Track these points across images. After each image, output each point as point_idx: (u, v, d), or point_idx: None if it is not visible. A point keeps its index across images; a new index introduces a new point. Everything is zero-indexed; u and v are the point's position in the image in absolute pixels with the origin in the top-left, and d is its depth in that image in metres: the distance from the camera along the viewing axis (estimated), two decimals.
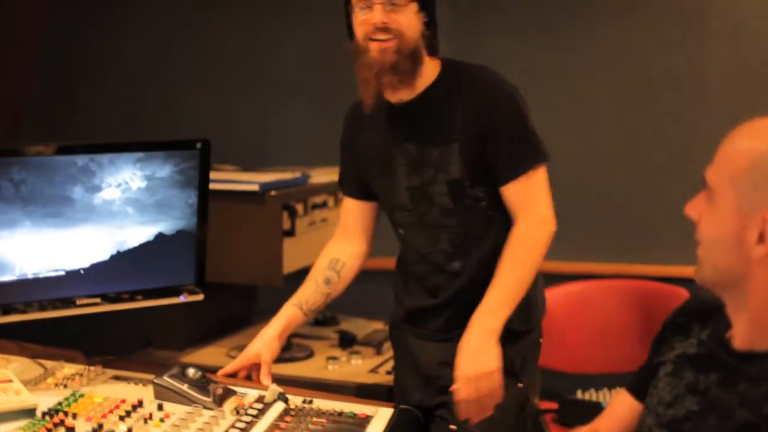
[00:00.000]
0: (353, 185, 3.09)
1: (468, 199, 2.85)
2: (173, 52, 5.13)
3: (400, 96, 2.85)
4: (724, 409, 1.91)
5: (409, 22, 2.76)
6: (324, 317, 4.20)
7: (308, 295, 3.07)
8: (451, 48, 4.62)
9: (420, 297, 3.04)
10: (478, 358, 2.69)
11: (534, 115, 4.54)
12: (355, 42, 2.82)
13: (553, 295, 4.20)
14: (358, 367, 3.64)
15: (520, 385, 2.89)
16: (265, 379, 2.89)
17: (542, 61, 4.69)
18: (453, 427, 2.78)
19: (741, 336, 1.95)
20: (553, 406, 4.12)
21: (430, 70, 2.85)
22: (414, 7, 2.77)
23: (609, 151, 4.68)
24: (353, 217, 3.13)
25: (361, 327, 4.10)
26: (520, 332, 2.94)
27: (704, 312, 2.12)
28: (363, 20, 2.76)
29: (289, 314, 3.04)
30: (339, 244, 3.14)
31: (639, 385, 2.25)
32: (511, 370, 2.88)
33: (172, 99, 5.08)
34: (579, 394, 4.13)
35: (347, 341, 3.89)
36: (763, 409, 1.84)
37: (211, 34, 5.08)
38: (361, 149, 3.00)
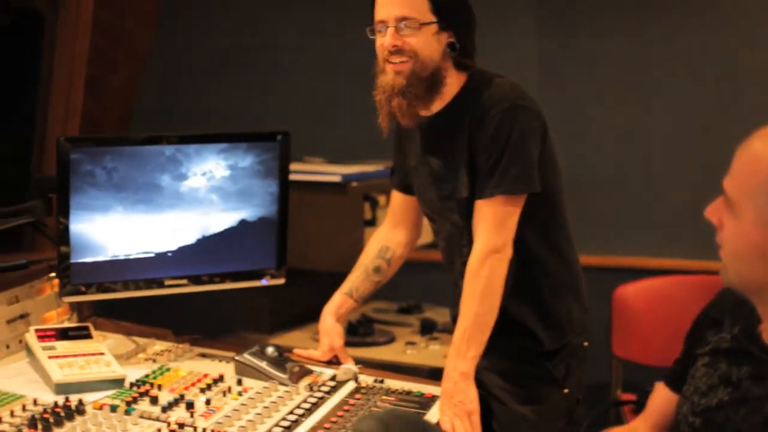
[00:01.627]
0: (400, 179, 3.15)
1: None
2: (268, 51, 5.26)
3: (423, 113, 2.86)
4: (755, 401, 1.96)
5: (425, 43, 2.75)
6: (408, 305, 4.31)
7: (358, 283, 3.16)
8: (538, 48, 4.76)
9: (455, 304, 3.03)
10: (454, 402, 2.65)
11: (619, 114, 4.65)
12: (376, 63, 2.86)
13: (636, 289, 4.30)
14: (434, 352, 3.76)
15: (566, 391, 2.94)
16: (348, 361, 3.01)
17: (628, 60, 4.74)
18: None
19: None
20: (633, 397, 4.18)
21: (454, 87, 2.85)
22: (432, 28, 2.76)
23: (694, 148, 4.69)
24: (401, 208, 3.18)
25: (443, 315, 4.17)
26: (555, 349, 2.94)
27: (735, 307, 2.16)
28: (379, 44, 2.80)
29: (340, 302, 3.16)
30: (388, 233, 3.20)
31: (674, 377, 2.30)
32: (552, 378, 2.93)
33: (266, 94, 5.20)
34: None
35: (428, 328, 4.00)
36: None
37: (299, 31, 5.22)
38: (405, 152, 3.06)
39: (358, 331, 3.79)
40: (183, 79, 5.44)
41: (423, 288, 4.39)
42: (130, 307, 3.19)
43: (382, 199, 3.86)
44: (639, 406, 4.05)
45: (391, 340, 3.89)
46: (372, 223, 3.79)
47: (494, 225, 2.76)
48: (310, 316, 4.06)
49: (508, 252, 2.77)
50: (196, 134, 3.02)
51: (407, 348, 3.75)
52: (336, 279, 4.27)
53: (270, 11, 5.25)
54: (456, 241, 2.94)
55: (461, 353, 2.71)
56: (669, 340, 4.30)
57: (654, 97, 4.73)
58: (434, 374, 3.37)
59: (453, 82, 2.85)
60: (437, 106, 2.86)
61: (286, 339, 3.89)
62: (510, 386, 2.90)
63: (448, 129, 2.85)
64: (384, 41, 2.77)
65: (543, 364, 2.92)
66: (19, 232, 3.41)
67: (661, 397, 2.34)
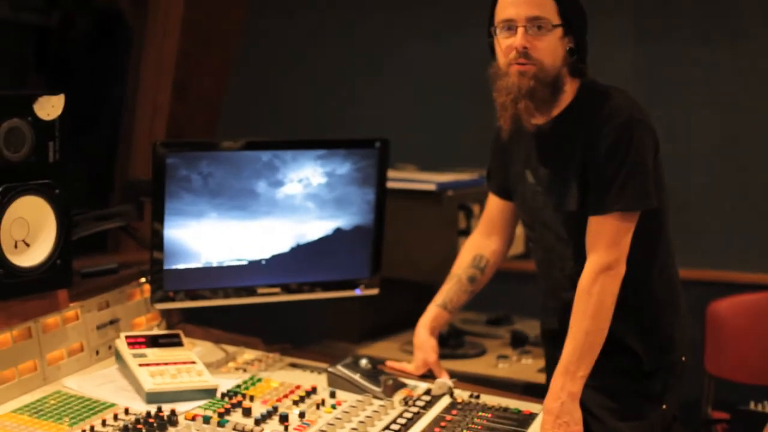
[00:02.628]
0: (499, 184, 3.07)
1: (583, 232, 2.76)
2: (358, 56, 5.22)
3: (535, 120, 2.79)
4: None
5: (552, 48, 2.69)
6: (497, 316, 4.24)
7: (452, 295, 3.10)
8: (634, 52, 4.67)
9: (549, 316, 3.04)
10: (559, 422, 2.62)
11: (716, 123, 4.56)
12: (495, 65, 2.77)
13: (730, 304, 4.20)
14: (527, 366, 3.68)
15: (664, 407, 2.88)
16: (442, 375, 2.95)
17: (725, 66, 4.63)
18: None
19: None
20: (725, 416, 4.09)
21: (569, 94, 2.78)
22: (559, 32, 2.70)
23: None
24: (497, 214, 3.11)
25: (533, 327, 4.04)
26: (655, 365, 2.88)
27: None
28: (506, 45, 2.70)
29: (435, 315, 3.10)
30: (482, 240, 3.14)
31: None
32: (650, 394, 2.87)
33: (356, 100, 5.18)
34: (752, 406, 4.06)
35: (519, 341, 3.92)
36: None
37: (394, 38, 5.16)
38: (510, 156, 2.98)
39: (449, 343, 3.72)
40: (271, 85, 5.40)
41: (512, 299, 4.33)
42: (218, 313, 3.15)
43: (476, 208, 3.79)
44: (732, 426, 3.99)
45: (482, 352, 3.82)
46: (466, 232, 3.71)
47: (609, 242, 2.70)
48: (399, 326, 4.05)
49: (621, 269, 2.70)
50: (293, 140, 2.98)
51: (499, 361, 3.68)
52: (427, 289, 4.22)
53: (361, 13, 5.20)
54: (558, 253, 2.88)
55: (570, 372, 2.66)
56: (764, 357, 4.24)
57: (754, 107, 4.61)
58: (528, 389, 3.36)
59: (568, 90, 2.78)
60: (552, 114, 2.79)
61: (374, 349, 3.83)
62: (609, 403, 2.83)
63: (561, 138, 2.78)
64: (514, 42, 2.68)
65: (642, 380, 2.86)
66: (103, 233, 3.39)
67: None
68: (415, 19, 5.12)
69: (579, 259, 2.76)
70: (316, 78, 5.30)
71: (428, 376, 2.97)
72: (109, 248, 4.14)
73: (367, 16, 5.21)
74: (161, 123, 4.47)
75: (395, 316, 4.04)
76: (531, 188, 2.87)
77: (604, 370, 2.75)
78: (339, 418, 2.54)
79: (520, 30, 2.66)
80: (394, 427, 2.53)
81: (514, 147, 2.93)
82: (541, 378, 3.51)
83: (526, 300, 4.28)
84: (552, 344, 2.96)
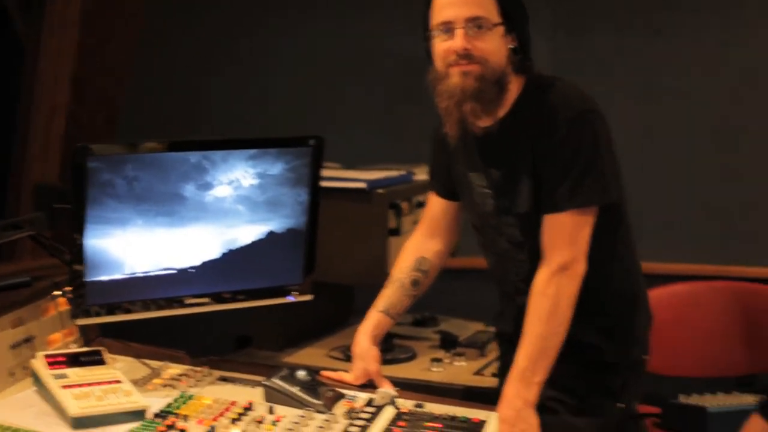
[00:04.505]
0: (442, 184, 2.99)
1: (537, 233, 2.69)
2: (274, 51, 5.12)
3: (481, 122, 2.70)
4: None
5: (494, 47, 2.61)
6: (423, 317, 4.16)
7: (395, 300, 2.99)
8: (554, 46, 4.62)
9: (505, 320, 2.97)
10: (515, 430, 2.56)
11: (637, 115, 4.53)
12: (434, 69, 2.68)
13: (657, 296, 4.10)
14: (462, 369, 3.60)
15: (621, 405, 2.85)
16: (384, 384, 2.83)
17: (644, 59, 4.66)
18: None
19: None
20: (656, 410, 4.03)
21: (513, 92, 2.70)
22: (500, 30, 2.62)
23: (715, 151, 4.63)
24: (440, 215, 3.03)
25: (461, 328, 4.05)
26: (615, 362, 2.84)
27: None
28: (444, 48, 2.61)
29: (377, 321, 2.97)
30: (424, 242, 3.04)
31: None
32: (608, 391, 2.82)
33: (267, 99, 5.09)
34: (682, 398, 4.01)
35: (450, 343, 3.84)
36: None
37: (306, 35, 5.06)
38: (453, 158, 2.89)
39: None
40: (176, 82, 5.26)
41: (435, 299, 4.24)
42: (134, 324, 2.98)
43: (405, 206, 3.68)
44: (663, 420, 3.94)
45: (413, 356, 3.72)
46: (396, 232, 3.61)
47: (565, 240, 2.62)
48: (325, 330, 3.94)
49: (579, 269, 2.62)
50: (223, 139, 2.82)
51: (432, 365, 3.58)
52: (352, 291, 4.11)
53: (277, 8, 5.11)
54: (512, 257, 2.80)
55: (525, 379, 2.58)
56: (690, 349, 4.21)
57: (672, 97, 4.68)
58: (468, 394, 3.28)
59: (513, 88, 2.69)
60: (497, 114, 2.69)
61: (299, 357, 3.71)
62: (564, 397, 2.77)
63: (509, 139, 2.68)
64: (452, 44, 2.58)
65: (601, 376, 2.81)
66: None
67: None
68: (340, 18, 5.05)
69: (535, 261, 2.68)
70: (228, 76, 5.18)
71: (367, 385, 2.85)
72: (16, 253, 3.98)
73: (280, 11, 5.12)
74: (60, 122, 4.33)
75: (319, 320, 3.93)
76: (480, 192, 2.78)
77: (561, 364, 2.66)
78: None
79: (459, 32, 2.57)
80: None
81: (457, 149, 2.82)
82: (476, 381, 3.45)
83: (450, 299, 4.22)
84: (508, 349, 2.85)
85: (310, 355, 3.74)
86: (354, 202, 3.59)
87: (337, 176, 3.65)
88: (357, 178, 3.60)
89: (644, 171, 4.61)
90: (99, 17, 4.27)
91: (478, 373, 3.54)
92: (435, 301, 4.17)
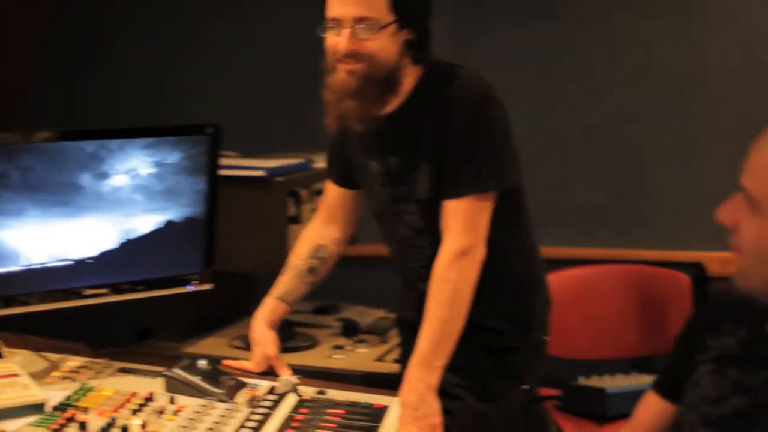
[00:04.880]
0: (340, 172, 2.97)
1: (438, 220, 2.68)
2: (171, 40, 5.07)
3: (377, 111, 2.67)
4: None
5: (383, 45, 2.57)
6: (324, 305, 4.15)
7: (291, 286, 2.96)
8: (455, 32, 4.63)
9: (407, 307, 2.97)
10: (417, 415, 2.53)
11: (535, 103, 4.57)
12: (326, 61, 2.66)
13: (554, 280, 4.11)
14: (364, 356, 3.60)
15: (525, 387, 2.87)
16: (284, 371, 2.81)
17: (544, 47, 4.67)
18: None
19: None
20: (556, 392, 4.09)
21: (410, 82, 2.68)
22: (391, 29, 2.57)
23: (610, 137, 4.66)
24: (338, 202, 3.01)
25: (362, 315, 4.05)
26: (516, 345, 2.85)
27: (735, 310, 2.06)
28: (332, 42, 2.59)
29: (273, 307, 2.95)
30: (321, 229, 3.02)
31: (669, 385, 2.20)
32: (511, 373, 2.84)
33: (170, 87, 5.04)
34: (581, 380, 4.07)
35: (351, 330, 3.84)
36: None
37: (210, 21, 5.03)
38: (350, 146, 2.87)
39: (279, 336, 3.60)
40: (78, 72, 5.18)
41: (337, 286, 4.24)
42: (32, 317, 2.94)
43: (304, 194, 3.68)
44: (564, 402, 3.99)
45: (314, 344, 3.71)
46: (296, 220, 3.60)
47: (465, 225, 2.61)
48: (226, 320, 3.92)
49: (479, 253, 2.63)
50: (119, 128, 2.80)
51: (334, 352, 3.58)
52: (253, 280, 4.09)
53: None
54: (412, 244, 2.79)
55: (427, 363, 2.57)
56: (588, 331, 4.27)
57: (570, 86, 4.69)
58: (369, 380, 3.25)
59: (409, 77, 2.67)
60: (394, 103, 2.68)
61: (201, 347, 3.67)
62: (468, 382, 2.78)
63: (407, 127, 2.67)
64: (338, 43, 2.56)
65: (503, 359, 2.82)
66: None
67: (653, 408, 2.22)
68: (237, 9, 5.01)
69: (435, 247, 2.68)
70: (125, 65, 5.11)
71: (268, 373, 2.83)
72: None
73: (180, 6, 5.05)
74: None
75: (220, 309, 3.91)
76: (379, 180, 2.77)
77: (463, 349, 2.66)
78: (184, 426, 2.38)
79: (346, 31, 2.54)
80: (245, 431, 2.39)
81: (354, 138, 2.80)
82: (378, 367, 3.47)
83: (350, 287, 4.22)
84: (409, 335, 2.83)
85: (212, 344, 3.71)
86: (253, 190, 3.56)
87: (236, 164, 3.62)
88: (256, 167, 3.58)
89: (545, 157, 4.65)
90: None
91: (380, 359, 3.54)
92: (337, 289, 4.18)
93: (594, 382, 4.05)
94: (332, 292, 4.13)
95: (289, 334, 3.68)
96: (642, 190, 4.61)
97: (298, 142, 4.01)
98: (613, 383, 4.01)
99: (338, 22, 2.55)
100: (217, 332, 3.85)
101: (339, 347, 3.63)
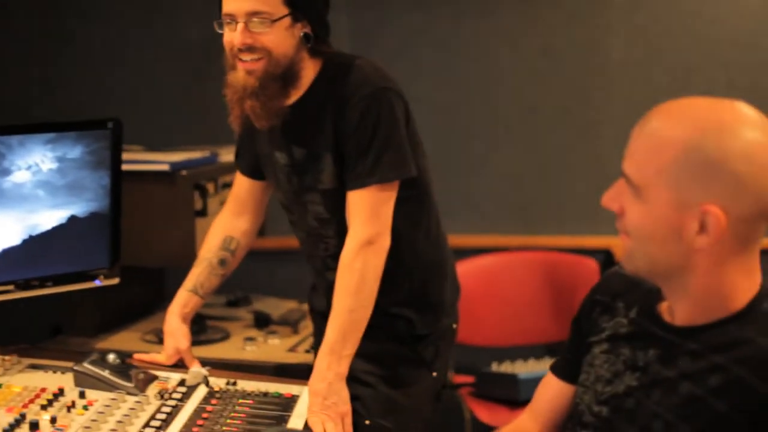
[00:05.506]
0: (248, 163, 2.99)
1: (343, 209, 2.71)
2: (73, 34, 5.01)
3: (279, 102, 2.68)
4: (667, 382, 1.89)
5: (279, 39, 2.58)
6: (236, 298, 4.15)
7: (203, 279, 2.97)
8: (353, 23, 4.64)
9: (317, 297, 3.01)
10: (327, 404, 2.57)
11: (437, 90, 4.59)
12: (225, 56, 2.67)
13: (464, 269, 4.20)
14: (275, 347, 3.61)
15: (435, 374, 2.89)
16: (194, 364, 2.82)
17: (445, 35, 4.67)
18: (368, 422, 2.75)
19: (680, 313, 1.91)
20: (470, 379, 4.14)
21: (310, 74, 2.70)
22: (285, 22, 2.58)
23: (514, 124, 4.68)
24: (246, 194, 3.02)
25: (274, 306, 4.06)
26: (425, 332, 2.88)
27: (626, 290, 2.09)
28: (227, 39, 2.61)
29: (186, 300, 2.96)
30: (230, 221, 3.03)
31: (565, 367, 2.21)
32: (421, 360, 2.87)
33: (74, 81, 4.97)
34: (494, 367, 4.12)
35: (263, 321, 3.85)
36: (709, 381, 1.82)
37: (111, 15, 4.97)
38: (256, 137, 2.89)
39: (191, 329, 3.60)
40: None
41: (248, 279, 4.25)
42: None
43: (211, 187, 3.68)
44: (477, 388, 4.04)
45: (226, 336, 3.71)
46: (203, 213, 3.60)
47: (368, 215, 2.64)
48: (138, 314, 3.91)
49: (384, 242, 2.65)
50: (19, 124, 2.79)
51: (246, 344, 3.59)
52: (161, 275, 4.09)
53: None
54: (319, 233, 2.82)
55: (336, 352, 2.60)
56: (498, 319, 4.33)
57: (472, 73, 4.70)
58: (280, 371, 3.29)
59: (309, 70, 2.69)
60: (295, 96, 2.70)
61: (114, 341, 3.65)
62: (378, 369, 2.81)
63: (309, 118, 2.69)
64: (233, 38, 2.57)
65: (413, 347, 2.85)
66: None
67: (552, 389, 2.25)
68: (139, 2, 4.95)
69: (341, 237, 2.70)
70: (31, 60, 5.04)
71: (179, 366, 2.85)
72: None
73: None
74: None
75: (130, 304, 3.90)
76: (284, 170, 2.79)
77: (373, 337, 2.71)
78: (95, 420, 2.39)
79: (240, 26, 2.56)
80: (155, 423, 2.40)
81: (260, 130, 2.81)
82: (291, 358, 3.49)
83: (262, 279, 4.24)
84: (321, 324, 2.85)
85: (124, 339, 3.70)
86: (158, 184, 3.55)
87: (140, 159, 3.61)
88: (160, 160, 3.57)
89: (450, 146, 4.69)
90: None
91: (292, 350, 3.56)
92: (249, 282, 4.20)
93: (506, 368, 4.11)
94: (244, 284, 4.15)
95: (202, 327, 3.68)
96: (549, 178, 4.65)
97: (203, 135, 4.01)
98: (525, 369, 4.07)
99: (233, 17, 2.57)
100: (129, 327, 3.83)
101: (250, 339, 3.64)
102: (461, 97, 4.69)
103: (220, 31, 2.65)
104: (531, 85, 4.65)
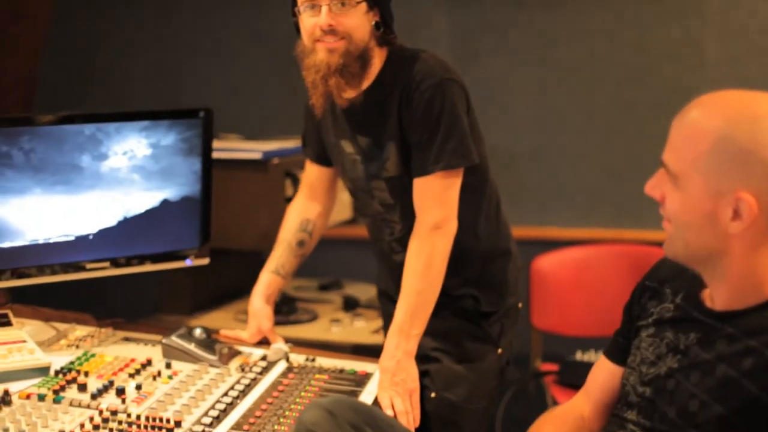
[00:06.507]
0: (315, 151, 3.08)
1: (408, 195, 2.80)
2: (178, 25, 5.16)
3: (347, 94, 2.79)
4: (704, 365, 1.95)
5: (359, 23, 2.69)
6: (329, 282, 4.28)
7: (283, 260, 3.09)
8: (452, 18, 4.73)
9: (384, 279, 3.10)
10: (395, 380, 2.65)
11: (535, 86, 4.65)
12: (301, 43, 2.76)
13: (554, 260, 4.31)
14: (360, 329, 3.74)
15: (500, 351, 2.95)
16: (277, 341, 2.94)
17: (543, 32, 4.74)
18: (434, 395, 2.82)
19: (719, 298, 1.99)
20: (554, 368, 4.20)
21: (377, 64, 2.79)
22: (363, 7, 2.69)
23: (609, 119, 4.73)
24: (316, 180, 3.12)
25: (364, 291, 4.18)
26: (490, 311, 2.95)
27: (674, 277, 2.15)
28: (310, 24, 2.69)
29: (268, 281, 3.08)
30: (305, 205, 3.13)
31: (616, 349, 2.28)
32: (488, 337, 2.93)
33: (178, 71, 5.13)
34: (578, 356, 4.18)
35: (351, 304, 3.97)
36: (743, 363, 1.89)
37: (213, 6, 5.14)
38: (323, 126, 2.99)
39: (282, 310, 3.73)
40: (93, 61, 5.30)
41: (341, 264, 4.37)
42: (48, 292, 3.10)
43: (301, 175, 3.80)
44: (561, 377, 4.11)
45: (314, 318, 3.85)
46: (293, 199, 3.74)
47: (435, 201, 2.74)
48: (231, 296, 4.06)
49: (451, 227, 2.75)
50: (115, 112, 2.94)
51: (332, 325, 3.72)
52: (256, 257, 4.22)
53: None
54: (384, 218, 2.92)
55: (404, 332, 2.70)
56: (587, 309, 4.38)
57: (570, 70, 4.74)
58: (359, 350, 3.41)
59: (377, 59, 2.79)
60: (363, 84, 2.80)
61: (207, 320, 3.82)
62: (446, 345, 2.89)
63: (375, 107, 2.79)
64: (318, 21, 2.67)
65: (479, 324, 2.92)
66: None
67: (604, 371, 2.32)
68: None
69: (406, 221, 2.81)
70: (136, 51, 5.22)
71: (263, 343, 2.97)
72: None
73: None
74: None
75: (226, 286, 4.05)
76: (350, 158, 2.90)
77: (441, 316, 2.81)
78: (176, 388, 2.54)
79: (324, 8, 2.66)
80: (232, 393, 2.53)
81: (327, 118, 2.93)
82: (373, 339, 3.61)
83: (354, 264, 4.33)
84: (388, 304, 2.98)
85: (218, 318, 3.85)
86: (251, 171, 3.71)
87: (235, 147, 3.76)
88: (253, 149, 3.72)
89: (541, 142, 4.75)
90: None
91: (376, 332, 3.69)
92: (343, 267, 4.33)
93: (590, 357, 4.16)
94: (338, 270, 4.28)
95: (292, 309, 3.82)
96: (640, 173, 4.65)
97: (297, 125, 4.12)
98: None
99: (314, 2, 2.67)
100: (223, 307, 4.00)
101: (337, 321, 3.77)
102: (557, 91, 4.74)
103: (294, 19, 2.77)
104: (627, 81, 4.68)
